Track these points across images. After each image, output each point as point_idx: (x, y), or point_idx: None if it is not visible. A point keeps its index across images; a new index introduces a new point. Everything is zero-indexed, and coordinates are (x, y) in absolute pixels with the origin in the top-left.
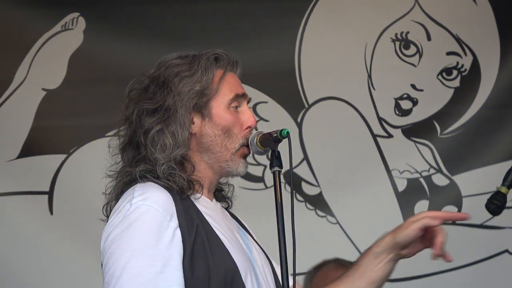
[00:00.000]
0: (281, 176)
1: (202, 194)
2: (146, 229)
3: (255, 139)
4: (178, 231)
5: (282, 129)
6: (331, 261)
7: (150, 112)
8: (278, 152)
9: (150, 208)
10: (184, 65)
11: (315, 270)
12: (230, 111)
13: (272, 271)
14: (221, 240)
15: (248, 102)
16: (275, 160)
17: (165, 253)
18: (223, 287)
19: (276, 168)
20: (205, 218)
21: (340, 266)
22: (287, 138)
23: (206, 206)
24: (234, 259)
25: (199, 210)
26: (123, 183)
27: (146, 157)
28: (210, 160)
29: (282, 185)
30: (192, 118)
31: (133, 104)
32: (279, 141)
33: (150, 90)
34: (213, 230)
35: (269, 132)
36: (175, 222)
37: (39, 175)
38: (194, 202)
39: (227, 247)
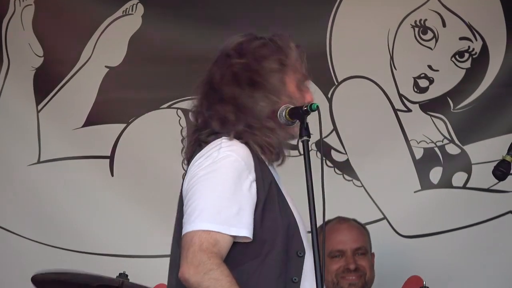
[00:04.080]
0: (312, 145)
1: (274, 160)
2: (229, 175)
3: (283, 112)
4: (254, 184)
5: (312, 103)
6: (335, 218)
7: (247, 91)
8: (307, 123)
9: (237, 158)
10: (269, 50)
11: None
12: (300, 88)
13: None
14: (286, 199)
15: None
16: (304, 130)
17: (241, 200)
18: (286, 239)
19: (305, 138)
20: (275, 179)
21: (343, 221)
22: (316, 111)
23: (275, 168)
24: (295, 216)
25: (271, 172)
26: (207, 133)
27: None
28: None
29: (315, 152)
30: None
31: (227, 83)
32: (308, 113)
33: (241, 75)
34: (280, 190)
35: (299, 106)
36: (252, 175)
37: (102, 141)
38: (268, 166)
39: (290, 205)
